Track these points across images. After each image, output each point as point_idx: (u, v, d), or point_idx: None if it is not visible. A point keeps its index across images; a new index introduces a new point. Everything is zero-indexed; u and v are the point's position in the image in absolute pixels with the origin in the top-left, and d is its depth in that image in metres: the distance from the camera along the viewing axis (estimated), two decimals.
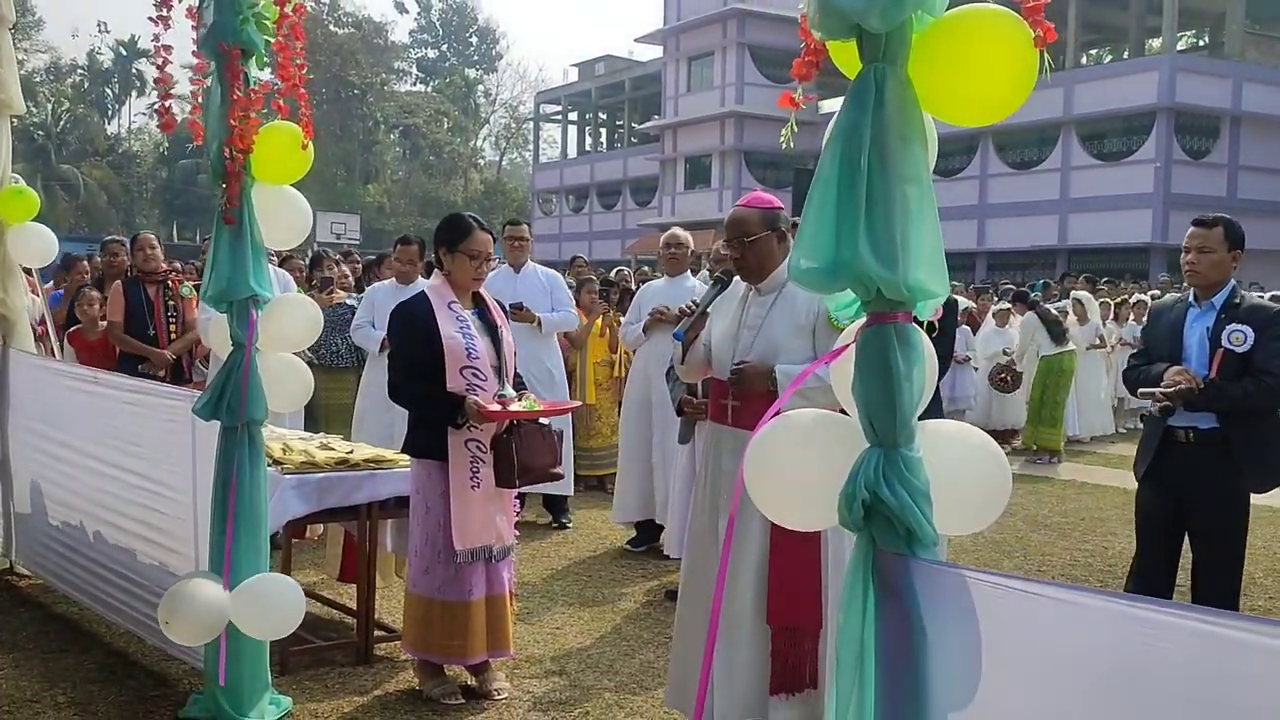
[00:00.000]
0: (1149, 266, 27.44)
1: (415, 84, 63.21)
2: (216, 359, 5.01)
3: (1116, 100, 29.84)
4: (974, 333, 10.54)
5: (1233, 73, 29.85)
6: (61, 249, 5.68)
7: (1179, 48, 33.41)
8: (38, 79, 48.87)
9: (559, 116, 53.83)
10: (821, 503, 1.96)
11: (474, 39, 65.30)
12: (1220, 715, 1.52)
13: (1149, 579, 3.96)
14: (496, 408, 3.78)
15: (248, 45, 3.47)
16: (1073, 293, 11.56)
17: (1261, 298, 4.12)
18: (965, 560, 6.24)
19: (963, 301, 10.74)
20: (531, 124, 58.52)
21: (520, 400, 3.90)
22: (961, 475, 1.97)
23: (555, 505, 6.80)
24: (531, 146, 59.22)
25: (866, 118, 1.85)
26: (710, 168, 39.88)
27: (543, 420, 3.89)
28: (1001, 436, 10.51)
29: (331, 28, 53.93)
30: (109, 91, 57.64)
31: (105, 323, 6.39)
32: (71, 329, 6.86)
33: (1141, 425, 4.63)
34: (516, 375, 4.08)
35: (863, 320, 1.94)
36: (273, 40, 3.51)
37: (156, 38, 3.44)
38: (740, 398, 3.32)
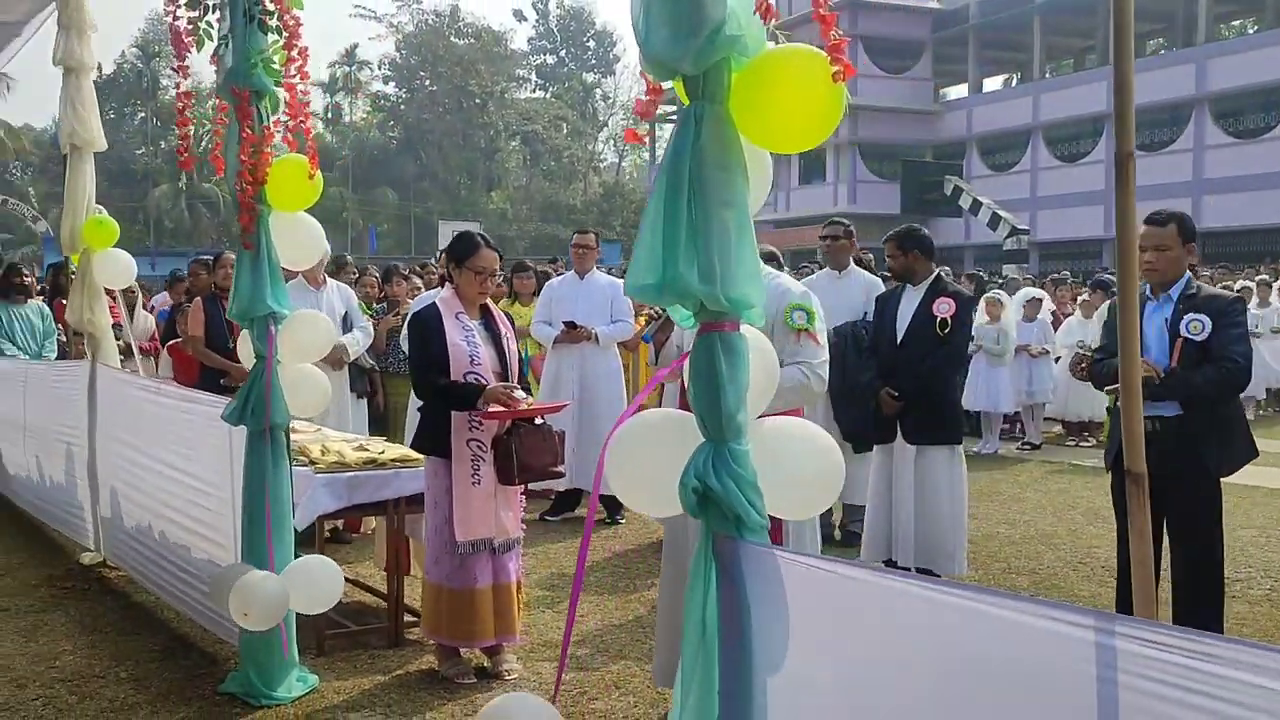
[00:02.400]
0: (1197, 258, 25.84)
1: (534, 90, 64.56)
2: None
3: (1255, 74, 28.20)
4: (1054, 326, 10.34)
5: None
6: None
7: None
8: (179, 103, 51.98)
9: (675, 116, 54.10)
10: (669, 492, 2.18)
11: (591, 43, 66.23)
12: (997, 684, 1.69)
13: (1128, 573, 4.01)
14: (495, 409, 4.08)
15: (259, 87, 3.88)
16: None
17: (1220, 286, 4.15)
18: (1007, 551, 6.25)
19: (1034, 292, 10.55)
20: (649, 125, 59.01)
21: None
22: (796, 467, 2.17)
23: (610, 503, 7.08)
24: (649, 147, 59.74)
25: (686, 151, 2.07)
26: (825, 161, 39.52)
27: (539, 420, 4.16)
28: (1079, 429, 10.29)
29: (452, 39, 55.67)
30: None
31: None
32: (171, 342, 7.53)
33: None
34: (523, 380, 4.37)
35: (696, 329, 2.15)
36: (281, 82, 3.89)
37: (178, 85, 3.88)
38: None
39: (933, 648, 1.72)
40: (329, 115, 56.29)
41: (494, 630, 4.19)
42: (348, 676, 4.23)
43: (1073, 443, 10.25)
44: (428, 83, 55.15)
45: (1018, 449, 9.99)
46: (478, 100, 55.31)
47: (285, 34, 3.87)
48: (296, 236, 4.05)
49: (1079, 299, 10.48)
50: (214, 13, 3.90)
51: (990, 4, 35.65)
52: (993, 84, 41.86)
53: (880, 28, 37.07)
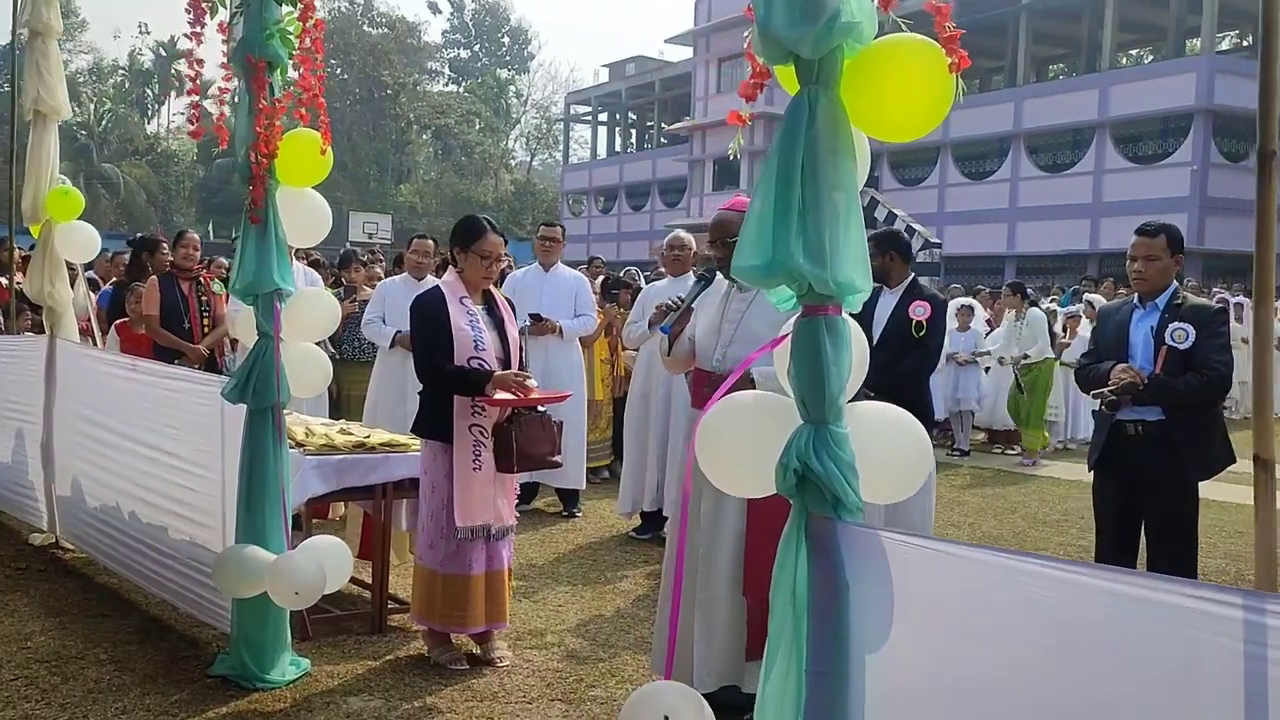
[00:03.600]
0: (1183, 271, 27.27)
1: (447, 84, 63.87)
2: (245, 349, 5.33)
3: (1153, 101, 29.59)
4: (985, 335, 10.73)
5: None
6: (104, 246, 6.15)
7: (1219, 48, 33.08)
8: (81, 79, 49.92)
9: (589, 117, 54.22)
10: (762, 473, 2.23)
11: (506, 39, 65.84)
12: (1087, 653, 1.78)
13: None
14: (502, 395, 4.06)
15: (273, 58, 3.80)
16: (1085, 295, 11.71)
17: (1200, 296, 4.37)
18: None
19: (965, 301, 10.93)
20: (562, 125, 58.96)
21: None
22: (887, 450, 2.24)
23: (567, 496, 7.09)
24: (562, 147, 59.64)
25: (800, 134, 2.11)
26: (739, 169, 40.05)
27: (541, 409, 4.16)
28: (1004, 437, 10.71)
29: (365, 28, 54.66)
30: (149, 92, 58.77)
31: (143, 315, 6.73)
32: (120, 320, 7.24)
33: None
34: (522, 367, 4.35)
35: (799, 312, 2.20)
36: (295, 53, 3.82)
37: (190, 52, 3.77)
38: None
39: (1068, 629, 1.77)
40: (234, 99, 54.79)
41: (485, 616, 4.17)
42: (338, 661, 4.16)
43: (999, 450, 10.64)
44: (338, 71, 53.98)
45: (947, 454, 10.32)
46: (389, 91, 54.42)
47: (300, 5, 3.81)
48: (304, 213, 3.97)
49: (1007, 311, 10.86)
50: None
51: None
52: None
53: None
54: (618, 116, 51.95)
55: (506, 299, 4.44)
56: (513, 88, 64.77)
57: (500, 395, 4.04)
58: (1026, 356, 9.96)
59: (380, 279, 7.82)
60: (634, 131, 52.27)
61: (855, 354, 2.22)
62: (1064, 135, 32.09)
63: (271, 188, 3.86)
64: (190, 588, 4.33)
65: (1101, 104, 30.84)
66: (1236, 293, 18.42)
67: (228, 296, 6.99)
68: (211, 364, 7.01)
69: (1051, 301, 13.27)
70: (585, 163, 53.69)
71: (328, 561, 3.78)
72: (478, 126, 59.33)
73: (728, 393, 2.32)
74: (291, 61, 3.85)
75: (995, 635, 1.91)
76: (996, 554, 1.93)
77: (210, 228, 45.88)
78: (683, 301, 3.75)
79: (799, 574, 2.17)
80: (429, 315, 4.15)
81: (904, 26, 2.08)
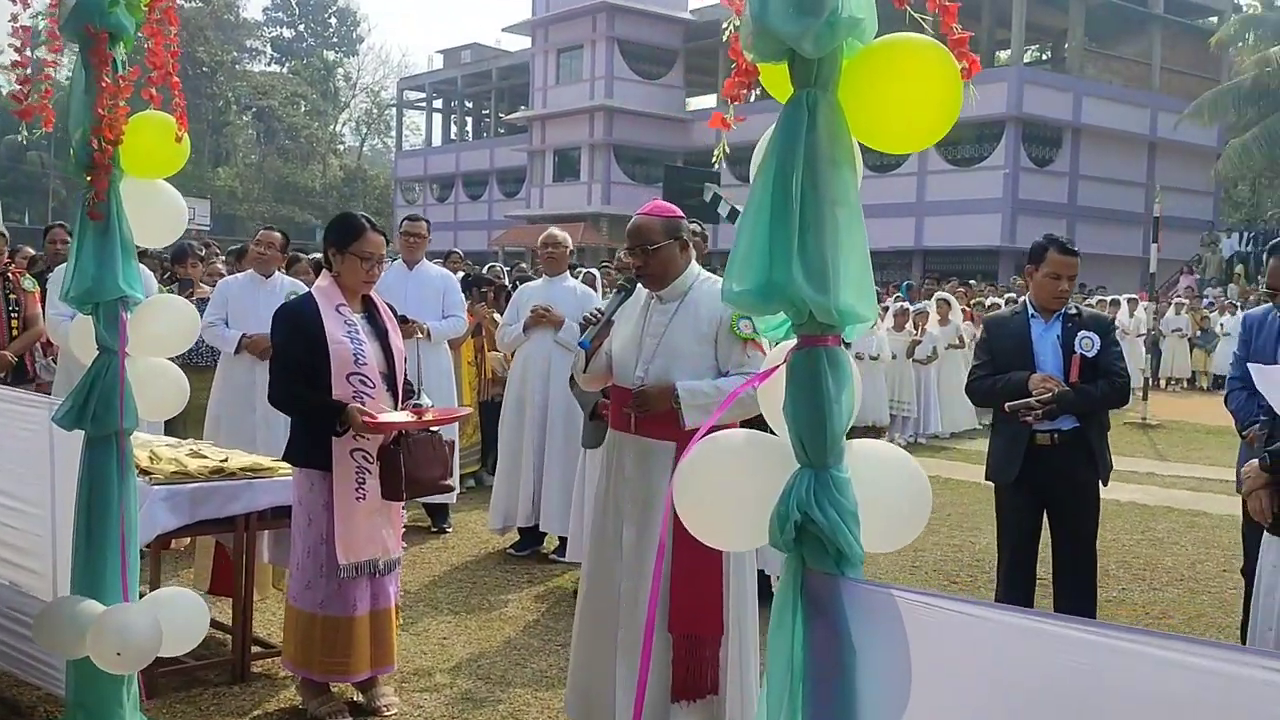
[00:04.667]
0: (998, 268, 28.87)
1: (270, 64, 60.95)
2: (73, 359, 4.65)
3: (968, 108, 30.92)
4: None
5: (1073, 87, 31.60)
6: None
7: (1025, 61, 35.08)
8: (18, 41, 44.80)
9: (423, 104, 52.70)
10: (752, 523, 1.95)
11: (333, 20, 63.32)
12: None
13: (1019, 579, 4.21)
14: (392, 417, 3.65)
15: (117, 29, 3.25)
16: (937, 294, 12.01)
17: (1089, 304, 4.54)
18: None
19: None
20: (394, 110, 57.15)
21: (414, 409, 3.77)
22: (886, 494, 2.00)
23: (435, 511, 6.64)
24: (394, 133, 57.81)
25: (800, 142, 1.84)
26: (579, 161, 39.77)
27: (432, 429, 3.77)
28: (864, 432, 10.89)
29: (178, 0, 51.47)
30: None
31: None
32: None
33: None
34: (407, 382, 3.95)
35: (792, 342, 1.93)
36: (143, 24, 3.28)
37: (15, 17, 3.17)
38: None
39: (1108, 705, 1.59)
40: (31, 71, 50.31)
41: (370, 662, 3.74)
42: None
43: None
44: (148, 44, 50.57)
45: None
46: (205, 69, 51.40)
47: None
48: (155, 208, 3.42)
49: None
50: None
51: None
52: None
53: (635, 32, 37.83)
54: (453, 104, 50.70)
55: (389, 306, 4.00)
56: (341, 70, 62.41)
57: (389, 418, 3.63)
58: None
59: (221, 275, 7.11)
60: (470, 120, 51.14)
61: (855, 388, 1.97)
62: None
63: (115, 178, 3.30)
64: (10, 642, 3.71)
65: None
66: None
67: (41, 294, 6.23)
68: (20, 371, 6.23)
69: (896, 300, 13.62)
70: (420, 149, 52.16)
71: (171, 617, 3.23)
72: (303, 109, 56.85)
73: (710, 430, 2.03)
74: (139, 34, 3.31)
75: (1037, 715, 1.69)
76: (1040, 619, 1.71)
77: (1, 211, 42.05)
78: (602, 314, 3.42)
79: (796, 638, 1.90)
80: (298, 327, 3.68)
81: (924, 24, 1.82)
